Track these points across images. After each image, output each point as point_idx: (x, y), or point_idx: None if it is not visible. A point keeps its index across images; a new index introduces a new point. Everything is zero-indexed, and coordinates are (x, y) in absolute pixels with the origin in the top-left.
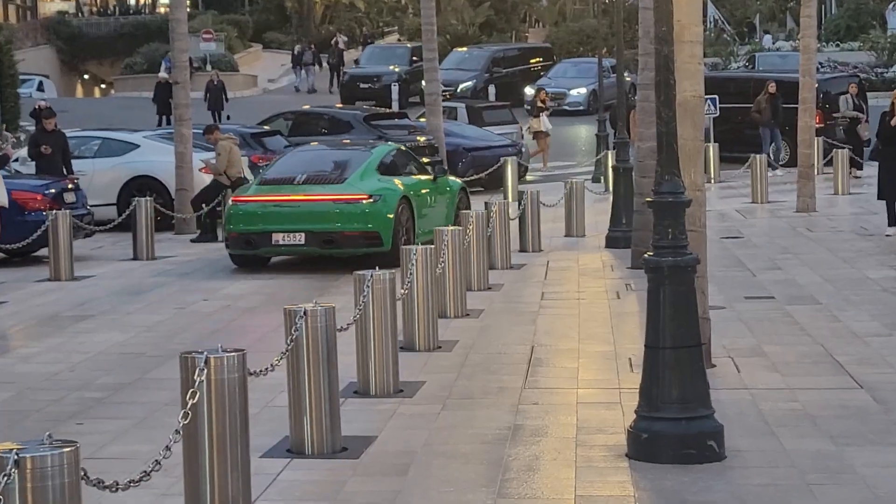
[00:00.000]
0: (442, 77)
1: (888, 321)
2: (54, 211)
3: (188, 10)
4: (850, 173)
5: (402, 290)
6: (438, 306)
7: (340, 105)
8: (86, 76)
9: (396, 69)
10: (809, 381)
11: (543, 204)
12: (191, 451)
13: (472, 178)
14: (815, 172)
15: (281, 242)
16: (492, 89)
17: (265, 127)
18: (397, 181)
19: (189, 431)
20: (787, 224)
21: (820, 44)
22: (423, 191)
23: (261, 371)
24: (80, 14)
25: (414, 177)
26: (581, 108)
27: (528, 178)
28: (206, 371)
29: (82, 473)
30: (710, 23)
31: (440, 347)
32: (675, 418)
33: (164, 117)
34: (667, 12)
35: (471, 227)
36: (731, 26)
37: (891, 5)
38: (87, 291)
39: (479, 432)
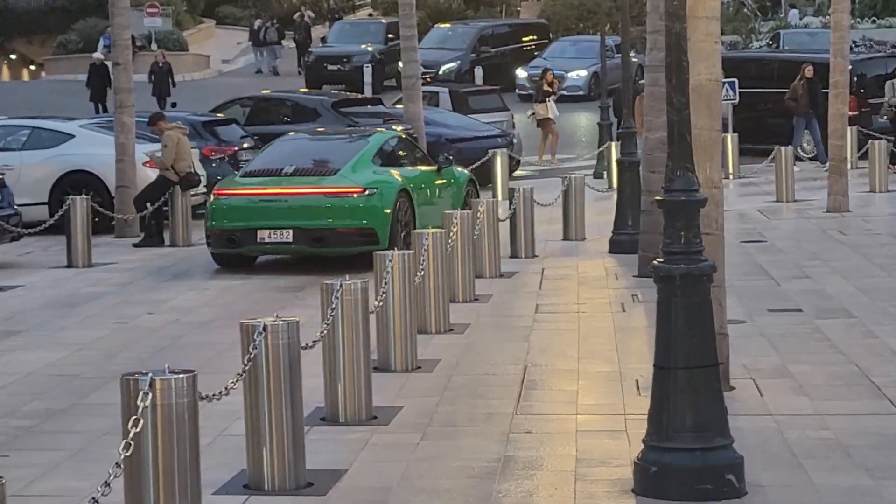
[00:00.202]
0: (422, 57)
1: None
2: None
3: None
4: (890, 168)
5: (377, 303)
6: (418, 320)
7: (305, 90)
8: (12, 56)
9: (369, 48)
10: (842, 406)
11: (538, 203)
12: (133, 487)
13: None
14: (849, 167)
15: (267, 240)
16: (479, 71)
17: (218, 115)
18: (395, 172)
19: (131, 464)
20: (817, 226)
21: (854, 19)
22: (426, 183)
23: (214, 395)
24: None
25: (415, 168)
26: (581, 93)
27: (520, 172)
28: (151, 395)
29: None
30: None
31: (419, 368)
32: (688, 449)
33: (100, 104)
34: None
35: (455, 230)
36: (753, 0)
37: None
38: (14, 304)
39: (464, 465)
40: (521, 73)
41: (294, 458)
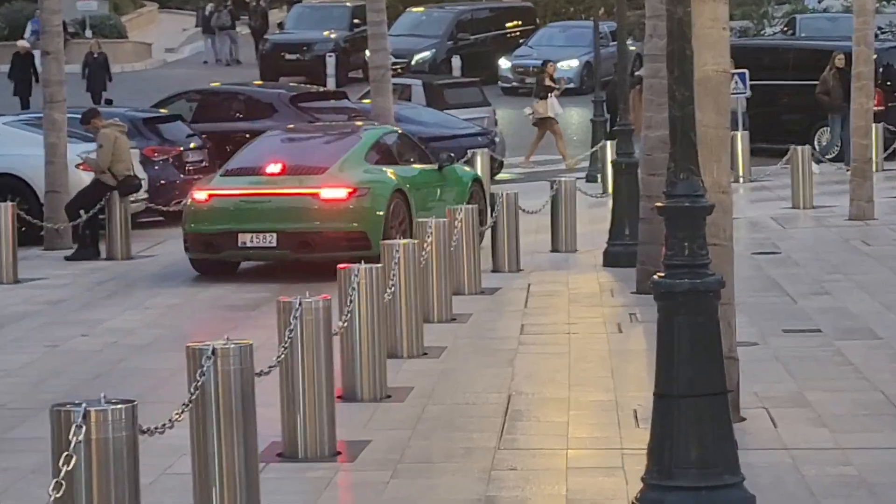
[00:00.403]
0: (392, 46)
1: None
2: None
3: None
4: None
5: (341, 323)
6: (387, 343)
7: (260, 82)
8: None
9: (332, 35)
10: (866, 439)
11: (523, 210)
12: None
13: None
14: (874, 169)
15: (248, 245)
16: (456, 61)
17: (162, 111)
18: (390, 171)
19: None
20: (838, 235)
21: (880, 3)
22: (425, 183)
23: (156, 428)
24: None
25: (414, 166)
26: (572, 85)
27: (504, 175)
28: (84, 428)
29: None
30: None
31: (390, 396)
32: (693, 487)
33: (26, 98)
34: None
35: (429, 241)
36: None
37: None
38: None
39: None
40: (504, 63)
41: (247, 499)
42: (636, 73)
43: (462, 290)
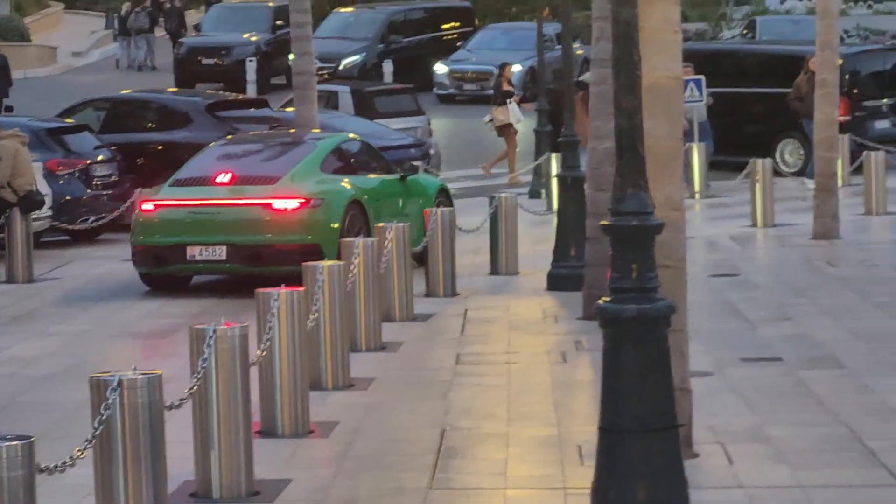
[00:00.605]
0: (318, 49)
1: None
2: None
3: None
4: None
5: (259, 352)
6: (310, 374)
7: (174, 89)
8: None
9: (253, 38)
10: (830, 477)
11: (460, 229)
12: None
13: None
14: (840, 184)
15: (197, 258)
16: (388, 66)
17: (68, 120)
18: (346, 181)
19: None
20: (801, 256)
21: (845, 4)
22: (385, 193)
23: (57, 466)
24: None
25: (373, 175)
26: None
27: None
28: None
29: None
30: None
31: (313, 432)
32: None
33: None
34: None
35: (357, 262)
36: None
37: None
38: None
39: None
40: (440, 68)
41: None
42: (579, 79)
43: (392, 316)
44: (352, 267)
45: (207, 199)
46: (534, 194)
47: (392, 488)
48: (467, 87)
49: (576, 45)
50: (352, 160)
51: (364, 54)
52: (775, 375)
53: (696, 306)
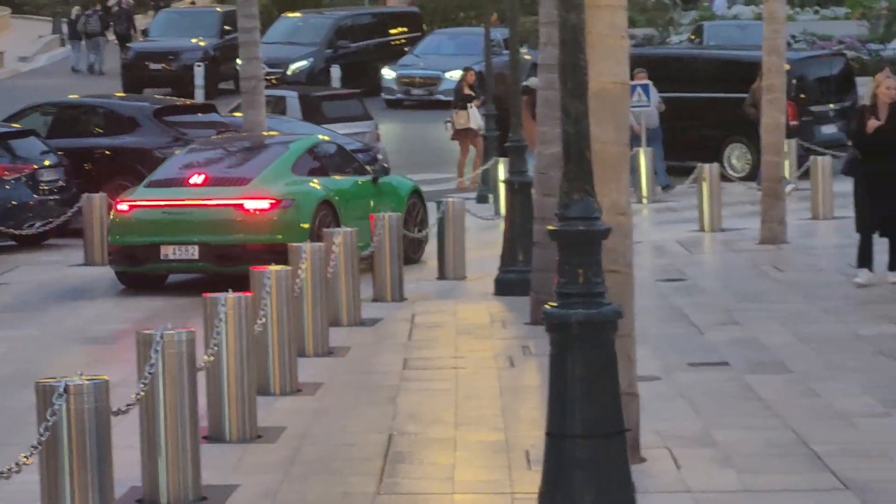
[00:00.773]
0: (265, 54)
1: (885, 395)
2: None
3: None
4: None
5: (207, 357)
6: (258, 379)
7: (122, 94)
8: None
9: (201, 43)
10: (776, 481)
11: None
12: None
13: None
14: (786, 189)
15: (171, 257)
16: (336, 71)
17: (14, 125)
18: (316, 182)
19: None
20: (748, 260)
21: (793, 9)
22: (357, 194)
23: (3, 472)
24: None
25: (345, 177)
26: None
27: None
28: None
29: None
30: None
31: (260, 437)
32: None
33: None
34: None
35: (304, 267)
36: None
37: None
38: None
39: None
40: (387, 73)
41: None
42: (524, 84)
43: (340, 320)
44: (299, 272)
45: (181, 200)
46: (482, 199)
47: (340, 493)
48: (415, 92)
49: (523, 50)
50: (324, 162)
51: (312, 59)
52: (722, 380)
53: (644, 311)
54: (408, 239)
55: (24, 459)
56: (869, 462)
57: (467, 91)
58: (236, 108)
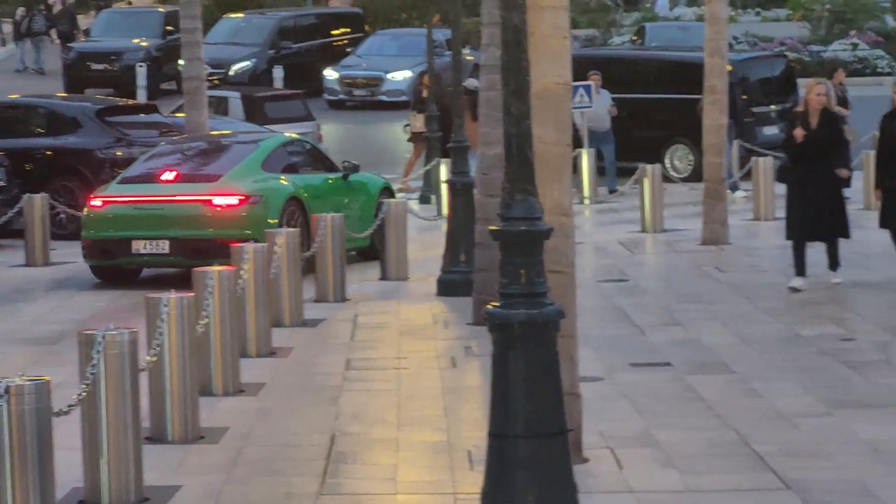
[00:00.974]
0: (208, 55)
1: (827, 396)
2: None
3: None
4: None
5: (149, 357)
6: (200, 379)
7: (63, 94)
8: None
9: (143, 44)
10: (718, 481)
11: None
12: None
13: None
14: (728, 190)
15: (142, 251)
16: (278, 72)
17: None
18: (285, 179)
19: None
20: (690, 261)
21: (734, 11)
22: (326, 191)
23: None
24: None
25: (315, 174)
26: (404, 97)
27: None
28: None
29: None
30: None
31: (203, 438)
32: None
33: None
34: None
35: (247, 268)
36: None
37: None
38: None
39: None
40: (330, 73)
41: None
42: (462, 85)
43: (282, 321)
44: (242, 272)
45: (152, 196)
46: (424, 200)
47: (282, 494)
48: (357, 92)
49: (466, 50)
50: (294, 159)
51: (254, 60)
52: (664, 380)
53: (586, 311)
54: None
55: None
56: (810, 462)
57: (425, 94)
58: (179, 109)
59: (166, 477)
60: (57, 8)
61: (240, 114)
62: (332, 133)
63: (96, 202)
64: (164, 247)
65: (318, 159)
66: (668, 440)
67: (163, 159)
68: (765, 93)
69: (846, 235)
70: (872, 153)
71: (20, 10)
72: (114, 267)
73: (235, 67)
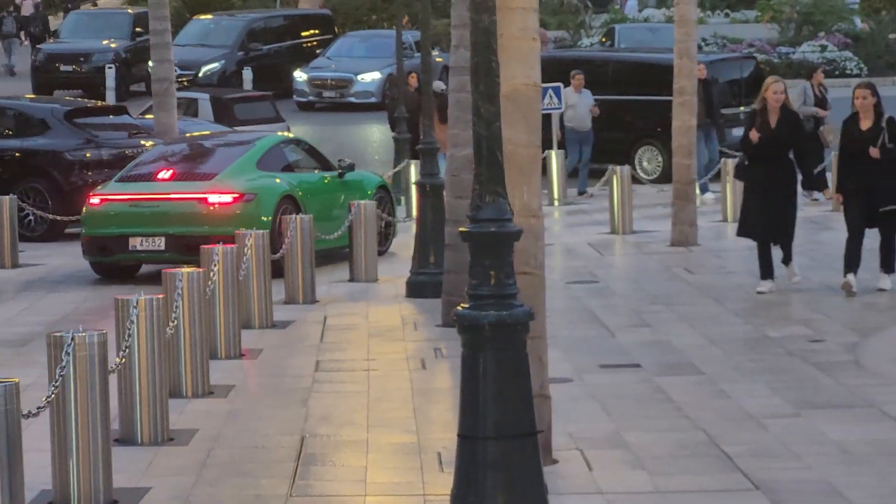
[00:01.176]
0: (177, 57)
1: (794, 397)
2: None
3: None
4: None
5: (118, 359)
6: (170, 381)
7: (32, 96)
8: None
9: (112, 45)
10: (687, 482)
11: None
12: None
13: None
14: (697, 191)
15: (139, 248)
16: (247, 73)
17: None
18: (279, 178)
19: None
20: (659, 263)
21: (704, 13)
22: (321, 190)
23: None
24: None
25: (312, 173)
26: (373, 99)
27: None
28: None
29: None
30: None
31: (172, 440)
32: None
33: None
34: None
35: (216, 269)
36: None
37: None
38: None
39: None
40: (299, 75)
41: None
42: (436, 88)
43: (252, 323)
44: (211, 274)
45: (149, 194)
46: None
47: (252, 496)
48: (326, 94)
49: (435, 52)
50: (290, 158)
51: (223, 62)
52: (634, 382)
53: (555, 313)
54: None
55: None
56: (779, 462)
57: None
58: (148, 110)
59: (136, 479)
60: (27, 9)
61: (209, 115)
62: (302, 135)
63: (95, 200)
64: (160, 243)
65: (313, 157)
66: (638, 441)
67: (160, 158)
68: (734, 94)
69: (790, 237)
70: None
71: None
72: (111, 263)
73: (205, 69)
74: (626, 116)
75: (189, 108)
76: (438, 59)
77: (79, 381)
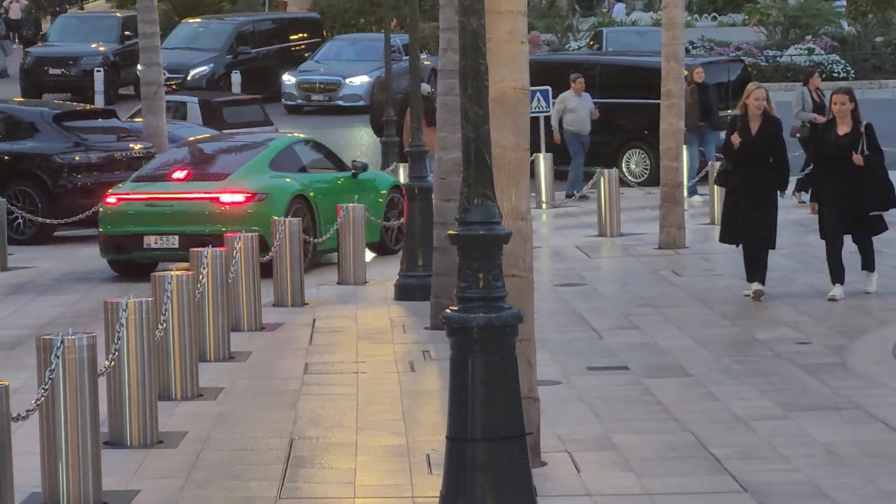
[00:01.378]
0: (166, 60)
1: (782, 399)
2: None
3: None
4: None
5: (108, 362)
6: (159, 384)
7: (21, 99)
8: None
9: (101, 48)
10: (675, 484)
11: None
12: None
13: None
14: (685, 194)
15: (153, 246)
16: (236, 77)
17: None
18: (292, 178)
19: None
20: (647, 266)
21: (691, 16)
22: (334, 190)
23: None
24: None
25: (325, 173)
26: (361, 102)
27: None
28: None
29: None
30: None
31: (161, 442)
32: None
33: None
34: None
35: (205, 272)
36: None
37: None
38: None
39: None
40: (288, 78)
41: None
42: (432, 92)
43: (241, 325)
44: (200, 276)
45: (164, 194)
46: None
47: (241, 498)
48: (315, 97)
49: (423, 55)
50: (304, 159)
51: (212, 65)
52: (622, 384)
53: (544, 315)
54: (386, 229)
55: None
56: (767, 465)
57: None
58: (137, 114)
59: (125, 481)
60: (14, 13)
61: (198, 118)
62: None
63: (111, 199)
64: (174, 241)
65: (327, 158)
66: (626, 443)
67: (175, 158)
68: (721, 97)
69: (772, 246)
70: None
71: None
72: (128, 261)
73: (193, 72)
74: (613, 119)
75: (178, 112)
76: (426, 63)
77: (68, 383)
